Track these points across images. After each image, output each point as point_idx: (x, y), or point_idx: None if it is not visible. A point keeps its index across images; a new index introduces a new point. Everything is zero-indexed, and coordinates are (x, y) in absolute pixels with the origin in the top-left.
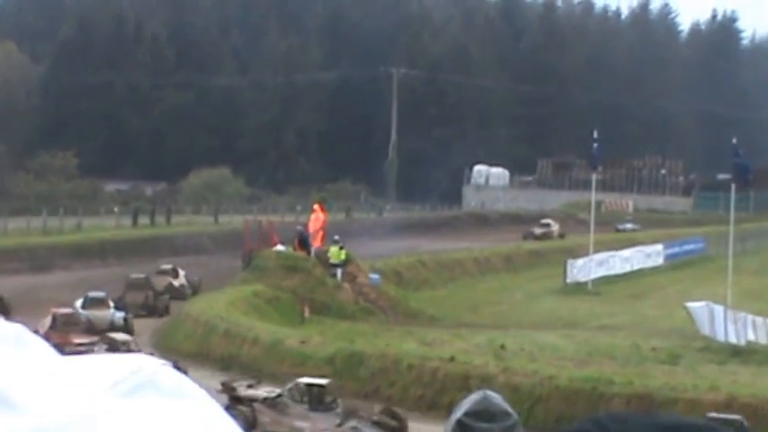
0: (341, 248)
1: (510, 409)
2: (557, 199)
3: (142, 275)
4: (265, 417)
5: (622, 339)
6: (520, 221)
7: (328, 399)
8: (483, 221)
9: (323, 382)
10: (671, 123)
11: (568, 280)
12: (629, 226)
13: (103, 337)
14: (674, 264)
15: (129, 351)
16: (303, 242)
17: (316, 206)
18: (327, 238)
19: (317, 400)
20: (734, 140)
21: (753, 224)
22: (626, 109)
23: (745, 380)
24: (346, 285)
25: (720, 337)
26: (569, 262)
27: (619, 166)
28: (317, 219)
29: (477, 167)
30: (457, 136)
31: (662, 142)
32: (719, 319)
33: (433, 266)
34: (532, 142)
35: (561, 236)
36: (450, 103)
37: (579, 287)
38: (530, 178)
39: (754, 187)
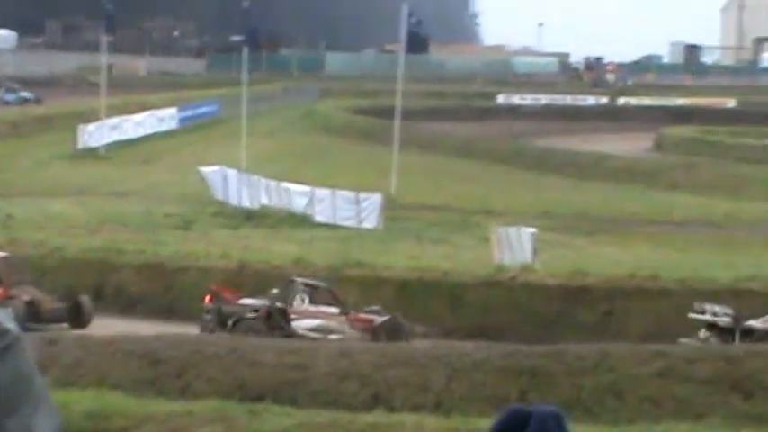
0: None
1: (9, 326)
2: (68, 62)
3: None
4: None
5: (135, 206)
6: (32, 85)
7: None
8: None
9: None
10: None
11: (79, 146)
12: (25, 95)
13: None
14: (189, 127)
15: None
16: None
17: None
18: None
19: None
20: (245, 3)
21: (265, 86)
22: None
23: (256, 245)
24: None
25: (234, 201)
26: (80, 127)
27: (130, 28)
28: None
29: None
30: None
31: (174, 4)
32: (233, 183)
33: None
34: (40, 2)
35: None
36: None
37: (91, 153)
38: (39, 40)
39: (267, 49)
